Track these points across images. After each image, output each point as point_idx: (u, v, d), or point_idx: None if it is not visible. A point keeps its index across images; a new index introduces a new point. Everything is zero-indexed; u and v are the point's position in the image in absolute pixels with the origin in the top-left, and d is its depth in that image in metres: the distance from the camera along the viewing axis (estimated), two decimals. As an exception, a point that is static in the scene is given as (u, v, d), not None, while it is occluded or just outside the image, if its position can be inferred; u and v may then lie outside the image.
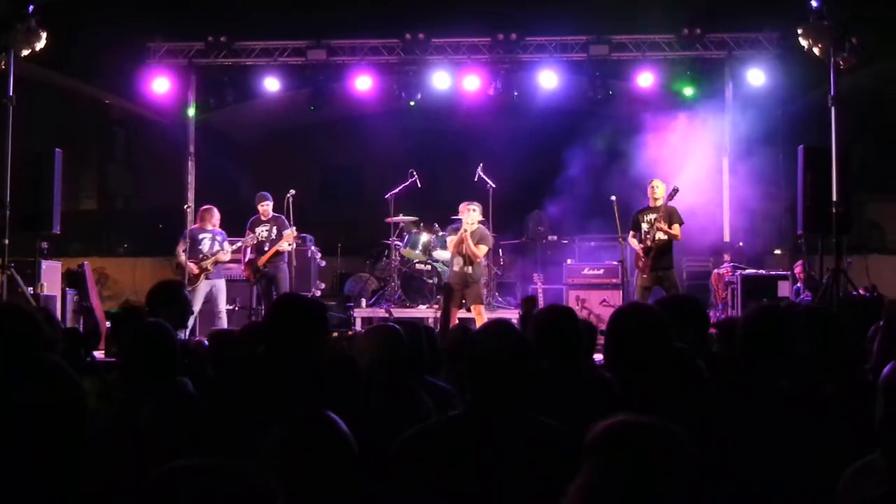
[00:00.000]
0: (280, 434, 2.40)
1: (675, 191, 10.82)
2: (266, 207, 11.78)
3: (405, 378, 4.10)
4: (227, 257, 11.60)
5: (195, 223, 11.90)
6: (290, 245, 11.74)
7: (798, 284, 12.27)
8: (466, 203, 10.97)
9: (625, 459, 1.84)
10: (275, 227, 11.68)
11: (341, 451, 2.41)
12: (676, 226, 10.74)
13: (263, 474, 1.67)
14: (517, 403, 2.99)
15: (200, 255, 11.43)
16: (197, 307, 11.39)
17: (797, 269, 12.49)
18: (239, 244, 11.60)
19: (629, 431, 1.87)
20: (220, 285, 11.69)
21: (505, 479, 2.83)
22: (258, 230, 11.66)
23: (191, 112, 15.04)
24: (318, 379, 3.55)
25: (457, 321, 10.64)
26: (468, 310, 11.08)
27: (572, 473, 1.91)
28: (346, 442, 2.43)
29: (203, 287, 11.44)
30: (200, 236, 11.54)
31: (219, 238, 11.59)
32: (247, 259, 11.74)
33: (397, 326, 4.34)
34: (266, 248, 11.61)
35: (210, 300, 11.59)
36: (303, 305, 3.79)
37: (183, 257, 11.43)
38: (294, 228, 11.67)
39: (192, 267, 11.35)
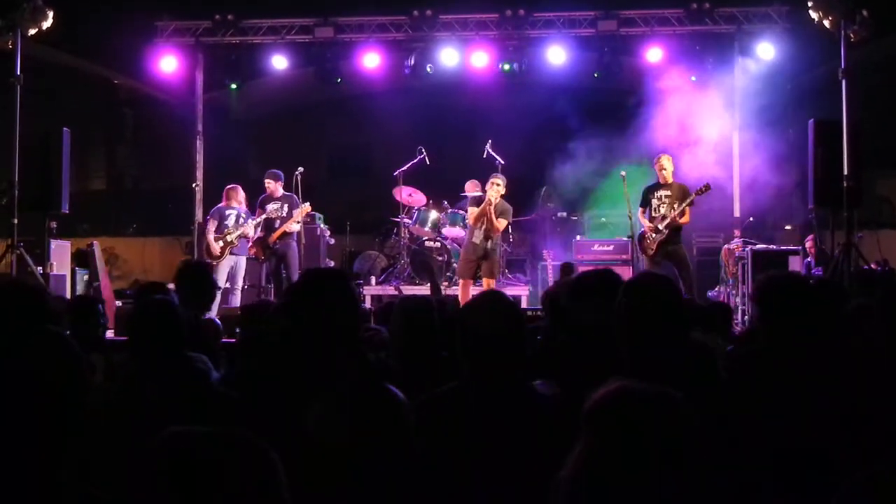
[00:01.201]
0: (333, 406, 2.38)
1: (707, 188, 10.75)
2: (277, 185, 11.76)
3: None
4: (252, 233, 11.63)
5: (221, 202, 11.90)
6: (298, 224, 11.71)
7: (809, 259, 12.24)
8: (491, 176, 11.05)
9: (623, 427, 1.82)
10: (286, 205, 11.66)
11: (403, 422, 2.40)
12: (686, 206, 10.72)
13: (262, 442, 1.66)
14: (512, 374, 2.97)
15: (226, 230, 11.52)
16: (221, 283, 11.45)
17: (808, 244, 12.46)
18: (263, 218, 11.61)
19: (627, 398, 1.86)
20: (242, 262, 11.78)
21: (503, 451, 2.82)
22: (269, 207, 11.64)
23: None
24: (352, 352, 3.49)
25: (470, 296, 10.63)
26: (480, 282, 11.08)
27: (571, 443, 1.89)
28: (407, 413, 2.41)
29: (227, 263, 11.54)
30: (227, 212, 11.67)
31: (243, 215, 11.70)
32: (256, 236, 11.74)
33: None
34: (276, 226, 11.60)
35: (229, 276, 11.65)
36: (327, 276, 3.72)
37: (212, 235, 11.52)
38: (308, 204, 11.66)
39: (215, 247, 11.43)
